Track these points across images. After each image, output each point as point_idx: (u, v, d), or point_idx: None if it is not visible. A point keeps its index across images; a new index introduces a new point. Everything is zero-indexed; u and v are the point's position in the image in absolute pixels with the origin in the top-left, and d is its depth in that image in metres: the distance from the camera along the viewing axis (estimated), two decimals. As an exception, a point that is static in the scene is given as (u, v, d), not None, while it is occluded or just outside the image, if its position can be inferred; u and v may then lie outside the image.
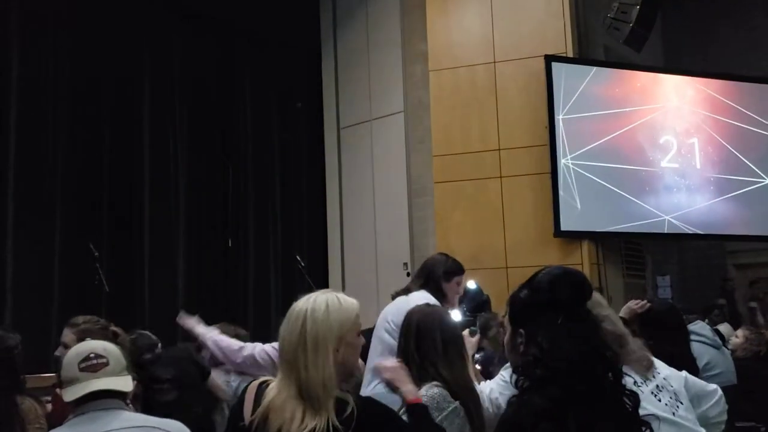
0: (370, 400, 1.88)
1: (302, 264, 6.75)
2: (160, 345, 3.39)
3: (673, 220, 6.79)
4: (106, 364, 2.04)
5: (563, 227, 6.35)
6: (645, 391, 2.02)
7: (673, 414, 2.03)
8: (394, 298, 3.57)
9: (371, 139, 7.34)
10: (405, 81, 7.04)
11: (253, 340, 3.84)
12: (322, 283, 7.46)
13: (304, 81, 8.34)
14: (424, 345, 2.45)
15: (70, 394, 2.00)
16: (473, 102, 6.77)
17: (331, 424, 1.74)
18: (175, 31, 7.29)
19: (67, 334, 2.98)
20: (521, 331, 1.76)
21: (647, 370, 2.12)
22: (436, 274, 3.67)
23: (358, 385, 2.92)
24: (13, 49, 6.04)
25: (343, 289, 7.15)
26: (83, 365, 2.02)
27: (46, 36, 6.26)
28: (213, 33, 7.65)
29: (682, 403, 2.09)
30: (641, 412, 1.93)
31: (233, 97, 7.88)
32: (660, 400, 2.03)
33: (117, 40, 6.73)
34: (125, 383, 2.08)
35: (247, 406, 1.85)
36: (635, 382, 2.03)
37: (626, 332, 2.22)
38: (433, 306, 2.79)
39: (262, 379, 1.92)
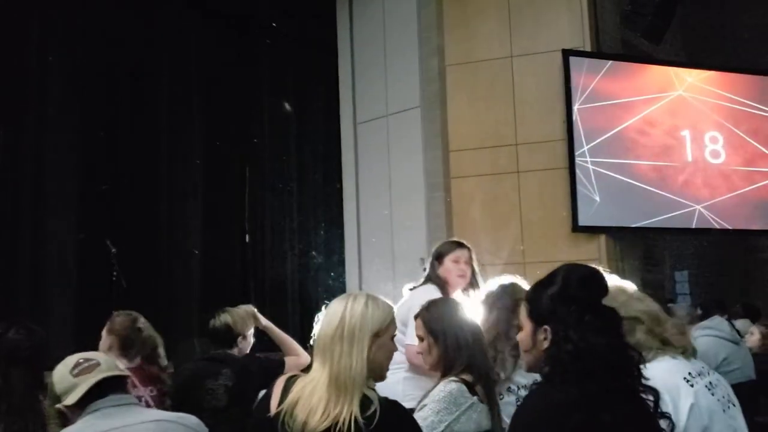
0: (395, 403, 1.91)
1: (319, 259, 6.78)
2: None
3: (703, 211, 6.74)
4: (98, 364, 2.04)
5: (581, 222, 6.32)
6: (699, 383, 2.03)
7: (724, 411, 2.03)
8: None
9: (388, 134, 7.33)
10: (421, 76, 7.02)
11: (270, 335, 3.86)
12: (339, 279, 7.49)
13: (320, 76, 8.36)
14: (448, 340, 2.45)
15: (72, 398, 1.99)
16: (490, 97, 6.74)
17: (353, 417, 1.77)
18: (192, 26, 7.32)
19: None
20: (546, 327, 1.77)
21: (691, 356, 2.13)
22: (432, 261, 3.69)
23: None
24: (32, 45, 6.10)
25: (360, 284, 7.19)
26: (76, 371, 2.02)
27: (61, 33, 6.31)
28: (229, 28, 7.68)
29: (734, 405, 2.10)
30: (695, 401, 1.96)
31: (250, 93, 7.91)
32: (713, 395, 2.04)
33: (134, 35, 6.77)
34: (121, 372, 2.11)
35: (274, 399, 1.90)
36: (690, 374, 2.05)
37: (663, 315, 2.20)
38: (439, 299, 2.77)
39: (290, 374, 1.98)
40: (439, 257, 3.74)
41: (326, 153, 8.30)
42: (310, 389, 1.85)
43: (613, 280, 2.19)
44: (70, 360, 2.08)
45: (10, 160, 5.89)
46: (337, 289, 7.33)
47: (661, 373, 1.94)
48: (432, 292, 3.35)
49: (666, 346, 2.09)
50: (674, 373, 2.01)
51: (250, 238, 7.34)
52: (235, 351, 3.45)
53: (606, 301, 2.00)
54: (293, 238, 8.05)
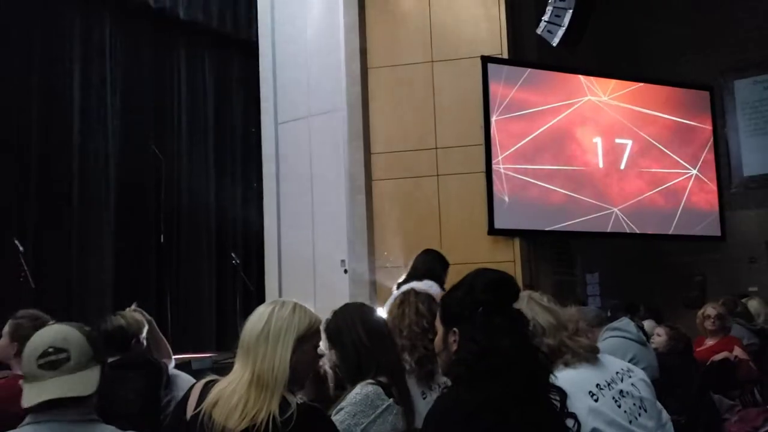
0: (313, 407, 1.91)
1: (237, 261, 6.68)
2: None
3: (619, 214, 7.02)
4: (67, 359, 1.82)
5: (497, 225, 6.46)
6: (606, 395, 2.01)
7: (630, 422, 2.02)
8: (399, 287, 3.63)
9: (309, 135, 7.30)
10: (344, 78, 7.02)
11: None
12: (258, 281, 7.39)
13: (241, 74, 8.25)
14: (346, 349, 2.46)
15: (26, 398, 1.81)
16: (411, 100, 6.82)
17: (272, 418, 1.76)
18: (108, 19, 7.10)
19: (6, 327, 3.03)
20: (455, 330, 1.82)
21: (594, 360, 2.10)
22: (441, 266, 3.83)
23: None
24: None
25: (280, 286, 7.12)
26: (41, 361, 1.81)
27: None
28: (147, 22, 7.48)
29: (645, 410, 2.08)
30: (596, 419, 1.95)
31: (167, 89, 7.73)
32: (620, 407, 2.02)
33: (47, 26, 6.52)
34: (88, 384, 1.84)
35: (191, 402, 1.87)
36: (598, 385, 2.02)
37: (573, 325, 2.19)
38: (343, 307, 2.77)
39: (209, 378, 1.94)
40: (446, 269, 3.87)
41: (246, 152, 8.19)
42: (230, 390, 1.83)
43: (534, 293, 2.21)
44: (41, 341, 1.85)
45: None
46: (256, 292, 7.24)
47: (570, 385, 1.91)
48: (433, 286, 3.45)
49: (575, 355, 2.06)
50: (579, 388, 1.96)
51: (165, 238, 7.15)
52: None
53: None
54: (210, 240, 7.90)
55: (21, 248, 5.43)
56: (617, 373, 2.12)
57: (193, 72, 7.97)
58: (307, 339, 1.92)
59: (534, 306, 2.13)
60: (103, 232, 6.86)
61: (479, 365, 1.73)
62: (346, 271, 6.77)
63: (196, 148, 7.93)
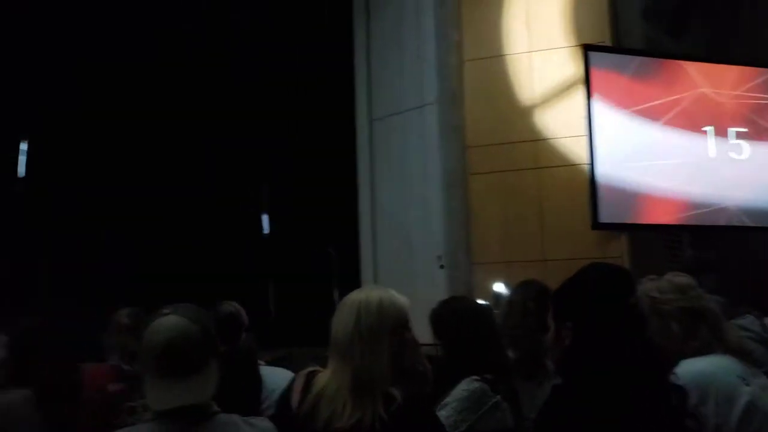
0: (418, 402, 1.87)
1: (334, 256, 6.72)
2: None
3: (732, 208, 6.64)
4: (187, 361, 1.74)
5: (601, 219, 6.22)
6: (754, 383, 2.02)
7: None
8: None
9: (404, 130, 7.27)
10: (439, 71, 6.95)
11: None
12: (354, 277, 7.41)
13: (336, 71, 8.30)
14: (453, 343, 2.41)
15: (153, 401, 1.75)
16: (508, 92, 6.68)
17: (377, 416, 1.74)
18: (197, 21, 7.29)
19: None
20: (568, 324, 1.77)
21: (745, 359, 2.10)
22: None
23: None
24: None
25: (375, 282, 7.12)
26: (160, 363, 1.74)
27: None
28: (240, 23, 7.64)
29: None
30: (752, 400, 1.95)
31: (263, 86, 7.86)
32: (762, 398, 2.03)
33: (137, 24, 6.73)
34: (209, 384, 1.75)
35: (295, 395, 1.87)
36: (745, 371, 2.04)
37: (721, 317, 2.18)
38: (458, 297, 2.72)
39: (310, 368, 1.92)
40: None
41: (341, 149, 8.24)
42: (332, 390, 1.80)
43: (680, 276, 2.23)
44: (159, 338, 1.74)
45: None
46: (353, 286, 7.26)
47: (716, 369, 1.98)
48: None
49: (726, 345, 2.08)
50: (730, 371, 2.01)
51: (270, 230, 7.28)
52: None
53: (673, 295, 2.06)
54: (309, 235, 8.00)
55: (47, 243, 5.57)
56: (754, 370, 2.10)
57: (288, 72, 8.09)
58: (399, 328, 1.87)
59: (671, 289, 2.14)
60: (204, 224, 7.04)
61: (592, 362, 1.68)
62: (442, 267, 6.70)
63: (294, 146, 8.04)
